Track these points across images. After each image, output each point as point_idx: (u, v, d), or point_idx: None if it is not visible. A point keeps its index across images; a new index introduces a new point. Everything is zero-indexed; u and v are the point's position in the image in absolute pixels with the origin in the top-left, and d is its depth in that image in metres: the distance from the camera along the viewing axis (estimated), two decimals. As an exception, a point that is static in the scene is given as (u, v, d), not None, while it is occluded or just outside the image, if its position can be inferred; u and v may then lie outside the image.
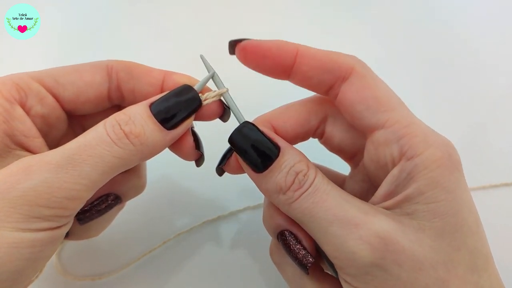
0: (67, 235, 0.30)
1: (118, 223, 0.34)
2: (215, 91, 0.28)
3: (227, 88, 0.28)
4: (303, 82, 0.27)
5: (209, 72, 0.28)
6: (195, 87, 0.28)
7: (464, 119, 0.46)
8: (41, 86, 0.27)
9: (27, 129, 0.26)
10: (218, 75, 0.29)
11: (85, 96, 0.28)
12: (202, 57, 0.28)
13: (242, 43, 0.27)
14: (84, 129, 0.31)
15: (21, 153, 0.25)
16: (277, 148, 0.25)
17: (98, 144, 0.24)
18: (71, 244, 0.38)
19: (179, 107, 0.26)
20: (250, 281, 0.37)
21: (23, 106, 0.26)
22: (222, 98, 0.29)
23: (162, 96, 0.26)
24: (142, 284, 0.37)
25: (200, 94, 0.28)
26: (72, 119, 0.30)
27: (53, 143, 0.29)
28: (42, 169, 0.23)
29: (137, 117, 0.25)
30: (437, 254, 0.22)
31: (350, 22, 0.54)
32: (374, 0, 0.56)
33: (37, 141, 0.26)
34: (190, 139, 0.28)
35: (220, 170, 0.29)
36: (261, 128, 0.26)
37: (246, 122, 0.27)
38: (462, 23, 0.54)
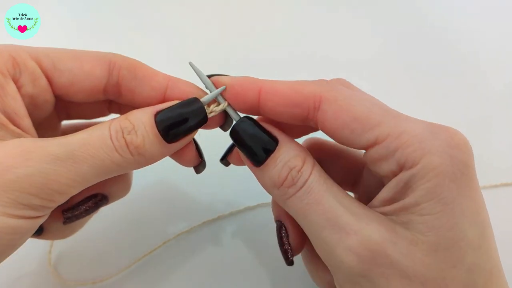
0: (41, 234, 0.29)
1: (118, 224, 0.35)
2: (219, 104, 0.27)
3: (227, 102, 0.27)
4: (277, 117, 0.26)
5: (200, 78, 0.27)
6: (202, 100, 0.26)
7: (463, 119, 0.46)
8: (37, 66, 0.26)
9: (18, 107, 0.25)
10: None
11: (80, 85, 0.27)
12: (191, 64, 0.27)
13: (216, 77, 0.27)
14: (68, 115, 0.31)
15: (15, 129, 0.24)
16: (275, 142, 0.25)
17: (101, 147, 0.24)
18: (69, 248, 0.37)
19: (184, 121, 0.26)
20: (250, 281, 0.37)
21: (15, 82, 0.25)
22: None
23: (170, 107, 0.26)
24: (143, 285, 0.37)
25: (205, 107, 0.27)
26: (58, 103, 0.29)
27: (34, 124, 0.27)
28: (42, 159, 0.22)
29: (141, 127, 0.25)
30: (428, 271, 0.21)
31: (350, 21, 0.54)
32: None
33: (26, 121, 0.25)
34: (192, 149, 0.28)
35: (225, 161, 0.30)
36: (260, 122, 0.26)
37: (245, 117, 0.27)
38: (462, 22, 0.54)
